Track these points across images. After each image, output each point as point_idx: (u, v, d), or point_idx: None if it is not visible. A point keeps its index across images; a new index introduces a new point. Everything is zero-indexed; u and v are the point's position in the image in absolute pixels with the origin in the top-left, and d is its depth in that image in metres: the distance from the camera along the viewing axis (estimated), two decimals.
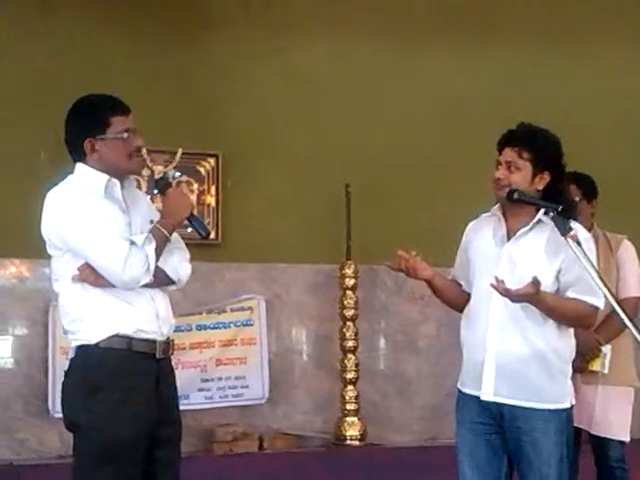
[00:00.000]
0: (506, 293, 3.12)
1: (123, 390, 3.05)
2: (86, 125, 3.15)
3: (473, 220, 3.59)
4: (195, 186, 7.31)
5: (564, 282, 3.26)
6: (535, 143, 3.32)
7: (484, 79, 7.88)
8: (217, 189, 7.44)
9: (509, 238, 3.35)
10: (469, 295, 3.47)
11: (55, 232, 3.10)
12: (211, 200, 7.43)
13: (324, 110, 7.61)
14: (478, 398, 3.33)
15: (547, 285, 3.23)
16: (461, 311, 3.52)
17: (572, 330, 3.38)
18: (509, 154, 3.32)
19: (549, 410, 3.27)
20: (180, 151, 7.20)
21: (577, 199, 4.16)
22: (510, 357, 3.26)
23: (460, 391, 3.45)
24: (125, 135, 3.15)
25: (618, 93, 8.04)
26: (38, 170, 6.44)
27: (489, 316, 3.29)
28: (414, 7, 7.93)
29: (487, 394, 3.30)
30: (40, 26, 7.07)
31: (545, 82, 7.86)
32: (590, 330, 3.93)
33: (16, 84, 6.98)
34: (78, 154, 3.18)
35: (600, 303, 3.23)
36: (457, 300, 3.54)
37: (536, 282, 3.09)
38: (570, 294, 3.26)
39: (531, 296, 3.12)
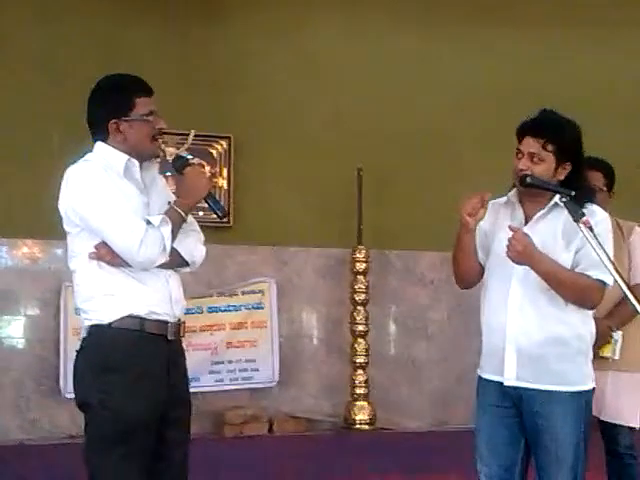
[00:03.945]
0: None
1: (135, 371, 3.06)
2: (111, 106, 3.15)
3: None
4: (207, 168, 7.28)
5: (575, 260, 3.25)
6: (560, 135, 3.25)
7: (501, 63, 7.82)
8: (229, 172, 7.43)
9: (526, 222, 3.34)
10: (482, 268, 3.42)
11: (73, 209, 3.10)
12: (223, 183, 7.41)
13: (337, 93, 7.58)
14: (498, 383, 3.33)
15: (567, 265, 3.24)
16: (468, 282, 3.46)
17: (591, 314, 3.37)
18: (533, 145, 3.25)
19: (569, 393, 3.27)
20: (193, 133, 7.12)
21: (602, 188, 4.15)
22: (531, 342, 3.25)
23: (480, 377, 3.44)
24: (150, 118, 3.16)
25: (635, 79, 7.99)
26: (50, 151, 6.47)
27: (508, 301, 3.28)
28: None
29: (510, 380, 3.29)
30: (55, 8, 7.05)
31: (563, 68, 7.81)
32: (600, 316, 3.94)
33: (32, 65, 6.97)
34: (100, 134, 3.18)
35: (607, 278, 3.17)
36: (472, 266, 3.42)
37: (514, 229, 3.17)
38: (577, 270, 3.25)
39: (526, 246, 3.14)
